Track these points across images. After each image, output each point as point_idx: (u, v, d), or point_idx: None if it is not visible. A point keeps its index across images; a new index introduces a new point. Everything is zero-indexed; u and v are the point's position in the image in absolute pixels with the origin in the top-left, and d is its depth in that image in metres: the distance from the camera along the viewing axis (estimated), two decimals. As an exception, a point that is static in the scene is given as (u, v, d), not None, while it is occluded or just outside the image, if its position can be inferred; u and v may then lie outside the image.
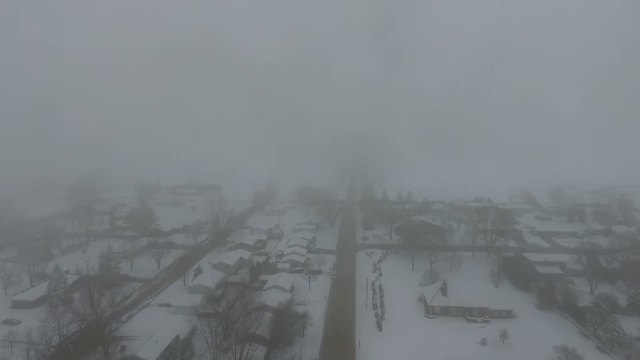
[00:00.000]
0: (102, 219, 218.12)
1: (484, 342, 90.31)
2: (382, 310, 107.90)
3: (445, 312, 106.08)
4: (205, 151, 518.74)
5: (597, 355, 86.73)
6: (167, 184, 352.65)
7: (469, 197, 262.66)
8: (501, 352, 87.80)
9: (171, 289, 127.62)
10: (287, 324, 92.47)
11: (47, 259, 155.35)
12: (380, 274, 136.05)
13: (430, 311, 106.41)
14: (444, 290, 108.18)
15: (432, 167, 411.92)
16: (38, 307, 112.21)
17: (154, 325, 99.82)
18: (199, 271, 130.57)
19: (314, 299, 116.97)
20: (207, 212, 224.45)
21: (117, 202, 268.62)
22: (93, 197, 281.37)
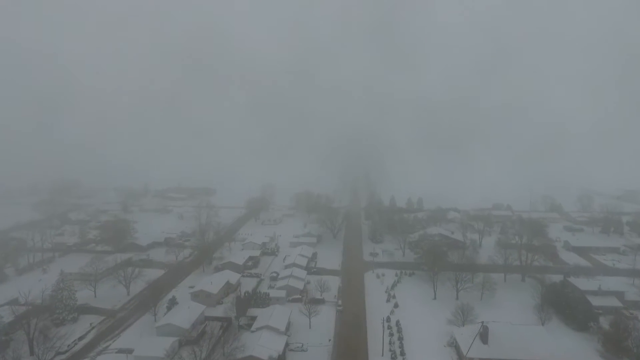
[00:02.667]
0: (76, 230, 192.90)
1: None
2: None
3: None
4: (202, 152, 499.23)
5: None
6: (156, 187, 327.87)
7: (481, 202, 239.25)
8: None
9: (138, 325, 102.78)
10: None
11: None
12: (396, 305, 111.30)
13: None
14: (484, 337, 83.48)
15: (434, 168, 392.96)
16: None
17: (104, 386, 75.36)
18: (173, 302, 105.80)
19: (316, 343, 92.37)
20: (195, 220, 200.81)
21: (97, 208, 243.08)
22: (71, 202, 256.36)
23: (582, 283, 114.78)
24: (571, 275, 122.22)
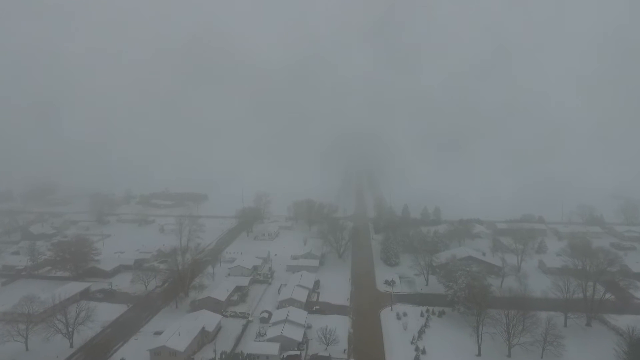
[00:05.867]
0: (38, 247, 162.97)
1: None
2: None
3: None
4: (199, 154, 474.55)
5: None
6: (143, 192, 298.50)
7: (502, 210, 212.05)
8: None
9: (69, 404, 73.23)
10: None
11: None
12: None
13: None
14: None
15: (438, 170, 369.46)
16: None
17: None
18: (121, 368, 76.19)
19: None
20: (176, 235, 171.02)
21: (66, 219, 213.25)
22: (41, 211, 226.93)
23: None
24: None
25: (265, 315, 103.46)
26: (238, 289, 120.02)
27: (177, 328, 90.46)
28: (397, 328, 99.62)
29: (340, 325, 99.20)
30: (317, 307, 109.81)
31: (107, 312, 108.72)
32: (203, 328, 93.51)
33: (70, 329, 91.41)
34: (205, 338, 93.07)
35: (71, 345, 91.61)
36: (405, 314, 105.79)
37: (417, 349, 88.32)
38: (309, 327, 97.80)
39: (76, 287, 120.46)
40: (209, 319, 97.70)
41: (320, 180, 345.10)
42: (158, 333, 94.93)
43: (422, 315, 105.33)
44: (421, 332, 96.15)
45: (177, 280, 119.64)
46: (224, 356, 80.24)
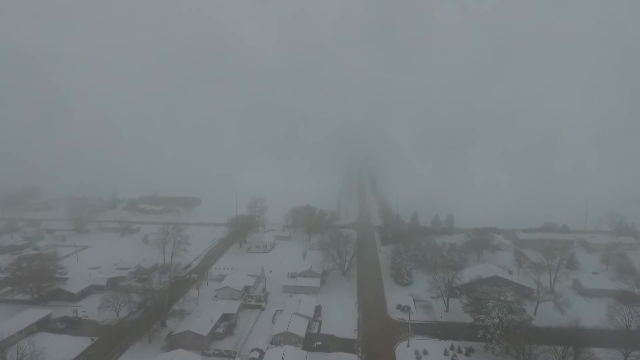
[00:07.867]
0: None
1: None
2: None
3: None
4: (194, 156, 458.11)
5: None
6: (133, 195, 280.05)
7: (506, 213, 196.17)
8: None
9: None
10: None
11: None
12: None
13: None
14: None
15: (440, 172, 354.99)
16: None
17: None
18: None
19: None
20: (159, 247, 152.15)
21: (41, 228, 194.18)
22: (14, 218, 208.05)
23: None
24: None
25: (256, 355, 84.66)
26: (225, 317, 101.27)
27: (143, 378, 71.93)
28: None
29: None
30: (319, 342, 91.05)
31: (65, 348, 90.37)
32: (177, 376, 75.06)
33: (10, 379, 72.96)
34: (179, 389, 74.63)
35: (11, 399, 73.17)
36: (425, 352, 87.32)
37: (445, 405, 69.87)
38: (309, 372, 79.53)
39: (33, 315, 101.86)
40: (185, 361, 79.21)
41: (320, 183, 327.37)
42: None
43: (445, 353, 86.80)
44: (448, 379, 77.74)
45: (152, 306, 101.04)
46: None
